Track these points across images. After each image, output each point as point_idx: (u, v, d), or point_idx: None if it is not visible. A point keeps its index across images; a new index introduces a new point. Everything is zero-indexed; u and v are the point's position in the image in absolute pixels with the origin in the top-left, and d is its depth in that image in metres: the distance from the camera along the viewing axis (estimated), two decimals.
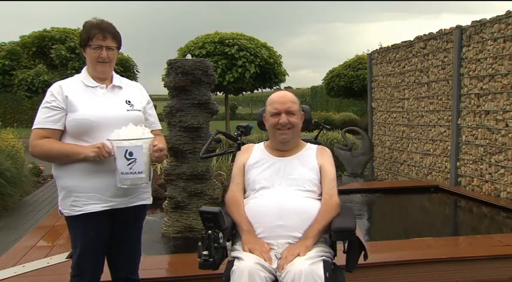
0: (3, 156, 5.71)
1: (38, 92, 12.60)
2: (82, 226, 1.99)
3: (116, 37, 2.05)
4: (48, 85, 2.04)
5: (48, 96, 1.98)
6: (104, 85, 2.04)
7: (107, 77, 2.07)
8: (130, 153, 1.84)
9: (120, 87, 2.08)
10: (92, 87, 2.02)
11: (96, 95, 2.01)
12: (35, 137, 1.96)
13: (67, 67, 12.42)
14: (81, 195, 1.95)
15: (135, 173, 1.86)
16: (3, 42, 13.48)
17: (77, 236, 2.02)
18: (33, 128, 1.98)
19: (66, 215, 2.01)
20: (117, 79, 2.10)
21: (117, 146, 1.85)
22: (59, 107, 1.95)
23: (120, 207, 2.02)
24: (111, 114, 1.98)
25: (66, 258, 2.99)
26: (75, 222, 2.00)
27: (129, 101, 2.06)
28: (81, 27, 2.07)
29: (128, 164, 1.84)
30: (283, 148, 2.19)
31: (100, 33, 1.98)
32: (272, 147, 2.22)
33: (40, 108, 1.98)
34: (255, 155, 2.21)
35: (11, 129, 7.09)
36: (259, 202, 2.05)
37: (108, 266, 2.15)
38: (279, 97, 2.15)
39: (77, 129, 1.95)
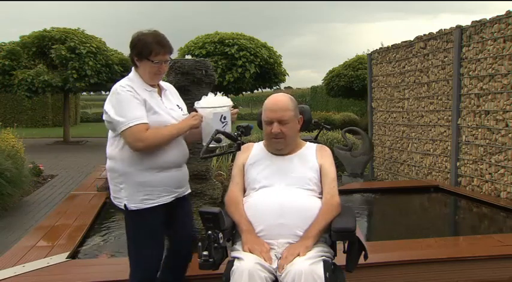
0: (3, 156, 5.70)
1: (38, 92, 12.59)
2: (152, 218, 2.12)
3: (172, 51, 2.20)
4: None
5: (130, 93, 2.05)
6: (156, 89, 2.19)
7: (156, 84, 2.23)
8: (224, 117, 2.15)
9: (165, 90, 2.26)
10: (149, 91, 2.15)
11: (156, 99, 2.15)
12: (140, 132, 2.01)
13: (67, 67, 12.41)
14: (155, 188, 2.11)
15: (227, 136, 2.15)
16: (3, 42, 13.46)
17: (145, 228, 2.13)
18: (132, 124, 2.00)
19: (134, 208, 2.10)
20: (163, 84, 2.27)
21: (214, 112, 2.14)
22: (143, 105, 2.07)
23: (180, 196, 2.25)
24: (175, 120, 2.17)
25: (66, 258, 2.99)
26: (147, 214, 2.10)
27: (178, 105, 2.26)
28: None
29: (222, 127, 2.15)
30: (279, 153, 2.20)
31: (163, 49, 2.12)
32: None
33: (125, 103, 2.03)
34: (254, 154, 2.22)
35: (11, 129, 7.07)
36: (259, 200, 2.05)
37: (168, 254, 2.33)
38: (272, 104, 2.15)
39: None
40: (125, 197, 2.11)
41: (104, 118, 2.14)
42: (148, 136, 2.02)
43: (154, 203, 2.11)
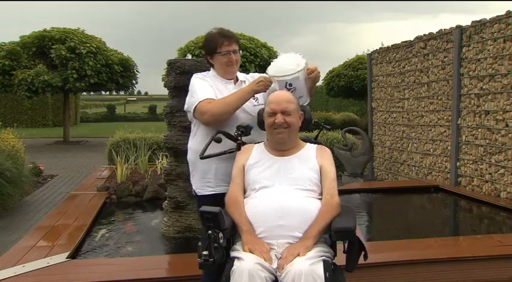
0: (3, 156, 5.70)
1: (38, 92, 12.58)
2: (212, 204, 2.17)
3: (238, 40, 2.34)
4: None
5: (201, 78, 2.27)
6: (232, 80, 2.35)
7: (234, 77, 2.37)
8: (290, 84, 2.17)
9: (244, 82, 2.37)
10: (224, 84, 2.31)
11: (228, 89, 2.29)
12: (204, 105, 2.18)
13: (67, 67, 12.40)
14: (214, 177, 2.28)
15: (297, 98, 2.19)
16: (3, 42, 13.46)
17: None
18: (199, 101, 2.18)
19: (198, 193, 2.34)
20: (241, 75, 2.40)
21: (278, 80, 2.17)
22: (212, 88, 2.24)
23: None
24: (242, 109, 2.26)
25: (66, 258, 2.99)
26: (209, 200, 2.22)
27: (254, 97, 2.31)
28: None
29: (291, 92, 2.18)
30: (281, 148, 2.19)
31: (226, 39, 2.27)
32: (271, 147, 2.22)
33: (195, 85, 2.24)
34: (254, 155, 2.21)
35: (11, 129, 7.08)
36: (259, 202, 2.05)
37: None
38: (276, 97, 2.17)
39: None
40: (193, 183, 2.37)
41: (185, 109, 2.33)
42: (211, 107, 2.16)
43: (213, 191, 2.28)
